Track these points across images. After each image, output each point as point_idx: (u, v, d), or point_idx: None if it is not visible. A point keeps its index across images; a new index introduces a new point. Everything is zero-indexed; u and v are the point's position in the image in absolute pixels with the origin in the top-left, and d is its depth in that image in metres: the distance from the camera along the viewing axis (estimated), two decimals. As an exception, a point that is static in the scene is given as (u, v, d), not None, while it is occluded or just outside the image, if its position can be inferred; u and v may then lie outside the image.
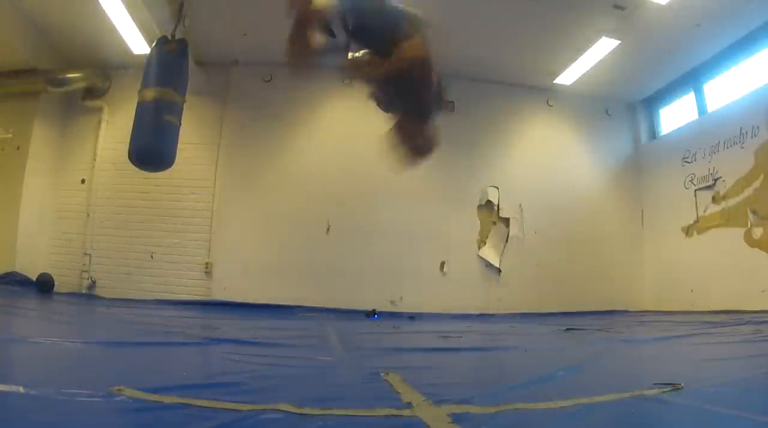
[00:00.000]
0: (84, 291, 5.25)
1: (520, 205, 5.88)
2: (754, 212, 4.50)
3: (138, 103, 3.90)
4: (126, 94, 5.26)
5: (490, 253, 5.72)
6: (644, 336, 2.66)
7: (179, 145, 4.08)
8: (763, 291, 4.21)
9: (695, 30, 4.68)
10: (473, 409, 0.87)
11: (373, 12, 1.98)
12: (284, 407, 0.84)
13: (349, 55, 2.08)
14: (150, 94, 3.83)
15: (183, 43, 4.05)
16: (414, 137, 2.07)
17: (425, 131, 2.10)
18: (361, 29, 2.03)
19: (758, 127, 4.51)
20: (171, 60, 3.95)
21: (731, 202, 4.75)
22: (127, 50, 5.11)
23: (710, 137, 5.07)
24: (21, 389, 0.89)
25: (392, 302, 5.33)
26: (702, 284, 4.97)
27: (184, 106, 4.09)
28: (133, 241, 5.40)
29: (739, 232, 4.61)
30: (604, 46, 5.03)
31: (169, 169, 4.16)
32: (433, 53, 2.03)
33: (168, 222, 5.46)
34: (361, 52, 2.09)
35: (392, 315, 4.93)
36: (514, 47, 5.33)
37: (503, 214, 5.83)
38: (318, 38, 2.02)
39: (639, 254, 6.04)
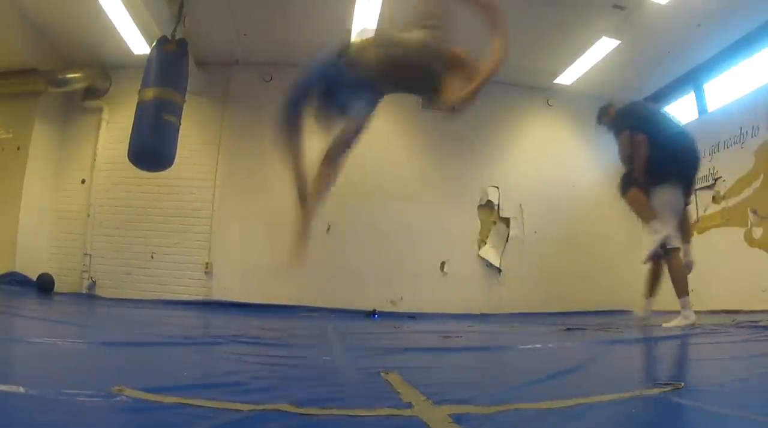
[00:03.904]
0: (84, 291, 5.26)
1: (520, 205, 5.89)
2: (754, 212, 4.49)
3: (138, 103, 3.91)
4: (126, 94, 5.27)
5: (490, 253, 5.72)
6: (644, 336, 2.66)
7: (179, 145, 4.09)
8: (763, 291, 4.21)
9: (695, 30, 4.68)
10: (473, 409, 0.87)
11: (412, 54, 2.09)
12: (284, 407, 0.84)
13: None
14: (150, 94, 3.84)
15: (183, 43, 4.06)
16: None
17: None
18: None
19: (758, 127, 4.51)
20: (171, 60, 3.96)
21: (731, 201, 4.75)
22: (127, 50, 5.12)
23: (710, 137, 5.07)
24: (21, 389, 0.89)
25: (392, 302, 5.34)
26: (702, 284, 4.97)
27: (184, 105, 4.09)
28: (133, 241, 5.40)
29: (739, 232, 4.61)
30: (604, 46, 5.03)
31: (169, 169, 4.17)
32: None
33: (168, 222, 5.46)
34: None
35: (392, 315, 4.94)
36: (514, 47, 5.28)
37: (503, 213, 5.83)
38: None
39: (639, 254, 6.03)
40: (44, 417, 0.77)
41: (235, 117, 5.74)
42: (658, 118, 3.46)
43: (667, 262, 3.21)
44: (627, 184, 3.45)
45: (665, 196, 3.22)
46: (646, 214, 3.30)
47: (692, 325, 2.99)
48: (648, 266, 3.46)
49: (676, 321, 3.06)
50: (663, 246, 3.16)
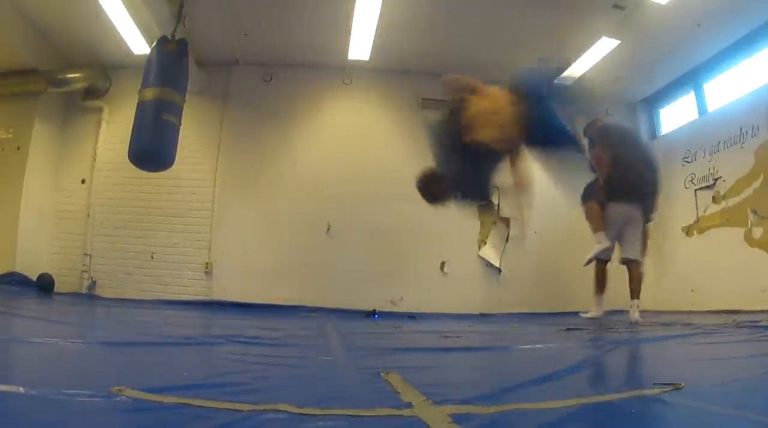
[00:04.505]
0: (84, 291, 5.26)
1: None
2: (754, 212, 4.49)
3: (138, 103, 3.90)
4: (126, 94, 5.27)
5: (490, 253, 5.72)
6: (644, 336, 2.66)
7: (179, 145, 4.09)
8: (763, 291, 4.21)
9: (695, 30, 4.68)
10: (473, 409, 0.87)
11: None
12: (284, 407, 0.84)
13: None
14: (150, 94, 3.84)
15: (183, 43, 4.06)
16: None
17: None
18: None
19: (758, 127, 4.51)
20: (171, 60, 3.96)
21: (731, 201, 4.75)
22: (127, 50, 5.11)
23: (710, 137, 5.07)
24: (21, 389, 0.90)
25: (392, 302, 5.33)
26: (702, 284, 4.97)
27: (184, 106, 4.09)
28: (133, 241, 5.40)
29: (739, 232, 4.61)
30: (604, 46, 5.02)
31: (169, 169, 4.17)
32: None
33: (168, 222, 5.46)
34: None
35: (392, 315, 4.93)
36: (514, 47, 5.33)
37: (503, 213, 5.82)
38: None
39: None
40: (44, 417, 0.77)
41: (235, 117, 5.74)
42: (631, 143, 3.96)
43: (630, 271, 3.80)
44: (588, 194, 3.98)
45: (619, 211, 3.75)
46: (595, 224, 3.89)
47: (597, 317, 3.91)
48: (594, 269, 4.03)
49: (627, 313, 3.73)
50: (601, 254, 3.84)
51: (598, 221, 3.84)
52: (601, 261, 3.94)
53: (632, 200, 3.73)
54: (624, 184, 3.69)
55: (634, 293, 3.77)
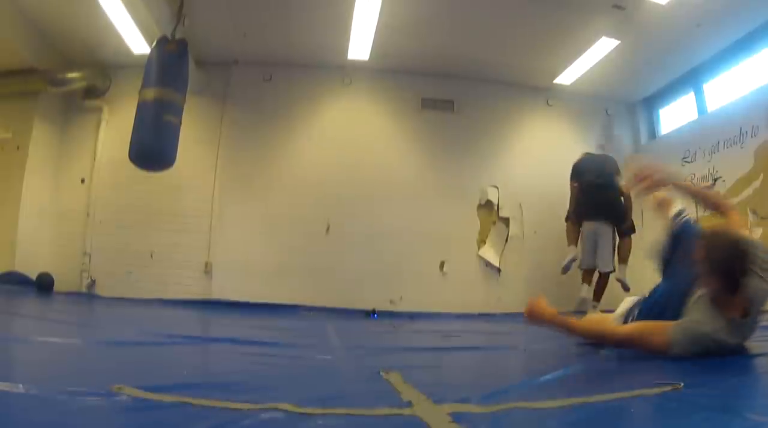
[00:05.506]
0: (84, 290, 5.25)
1: (519, 205, 5.88)
2: (754, 212, 4.49)
3: (138, 103, 3.90)
4: (126, 94, 5.26)
5: (490, 253, 5.72)
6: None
7: (179, 145, 4.08)
8: (762, 291, 4.21)
9: (695, 30, 4.67)
10: (473, 408, 0.87)
11: None
12: (284, 407, 0.84)
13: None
14: (150, 93, 3.84)
15: (183, 43, 4.05)
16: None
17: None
18: None
19: (758, 127, 4.50)
20: (171, 60, 3.95)
21: (731, 202, 4.75)
22: (127, 50, 5.11)
23: (710, 137, 5.07)
24: (21, 388, 0.90)
25: (392, 302, 5.33)
26: (702, 284, 4.97)
27: (184, 105, 4.09)
28: (132, 241, 5.39)
29: (738, 232, 4.60)
30: (603, 46, 5.02)
31: (169, 169, 4.17)
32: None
33: (168, 222, 5.46)
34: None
35: (392, 314, 4.94)
36: (514, 47, 5.34)
37: (503, 213, 5.83)
38: None
39: (638, 254, 6.02)
40: (44, 416, 0.77)
41: (235, 116, 5.74)
42: (593, 172, 4.83)
43: (600, 278, 4.82)
44: (567, 215, 5.11)
45: (587, 228, 4.78)
46: (569, 238, 5.02)
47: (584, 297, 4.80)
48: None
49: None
50: (570, 263, 4.90)
51: (570, 236, 4.97)
52: (588, 270, 4.79)
53: (593, 218, 4.74)
54: (587, 206, 4.75)
55: (596, 296, 4.78)
